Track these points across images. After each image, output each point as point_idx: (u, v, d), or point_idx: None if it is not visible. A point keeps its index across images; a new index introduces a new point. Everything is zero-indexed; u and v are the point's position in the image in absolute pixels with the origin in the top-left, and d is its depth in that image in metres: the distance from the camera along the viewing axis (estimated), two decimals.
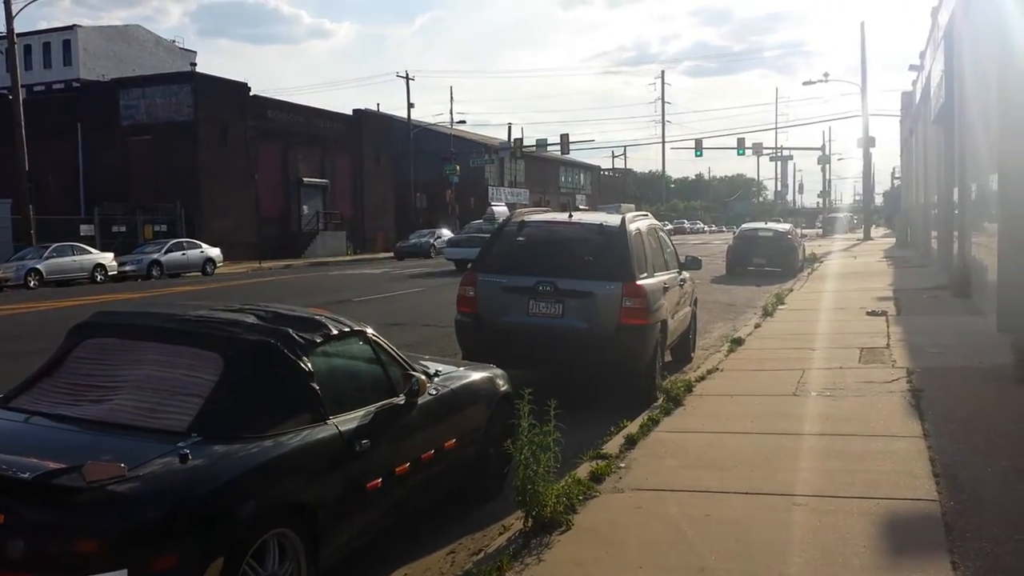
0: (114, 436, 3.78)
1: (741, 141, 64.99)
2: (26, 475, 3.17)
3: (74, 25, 74.62)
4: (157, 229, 40.69)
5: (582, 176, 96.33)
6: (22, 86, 35.07)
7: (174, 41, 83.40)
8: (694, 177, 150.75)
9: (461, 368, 6.30)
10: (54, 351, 4.60)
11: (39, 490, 3.16)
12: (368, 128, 57.67)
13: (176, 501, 3.38)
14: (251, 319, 4.60)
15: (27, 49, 64.80)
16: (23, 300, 23.49)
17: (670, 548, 4.76)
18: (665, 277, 9.81)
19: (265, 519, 3.70)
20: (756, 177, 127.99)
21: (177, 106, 43.99)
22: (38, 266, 29.90)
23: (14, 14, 33.27)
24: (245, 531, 3.57)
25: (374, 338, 5.10)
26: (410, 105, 61.43)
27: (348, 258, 46.58)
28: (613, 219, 9.57)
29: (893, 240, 48.71)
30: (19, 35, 36.01)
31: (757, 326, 14.14)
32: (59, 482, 3.17)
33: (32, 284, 29.09)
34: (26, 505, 3.18)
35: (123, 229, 39.79)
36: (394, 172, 60.26)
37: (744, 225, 34.22)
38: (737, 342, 12.12)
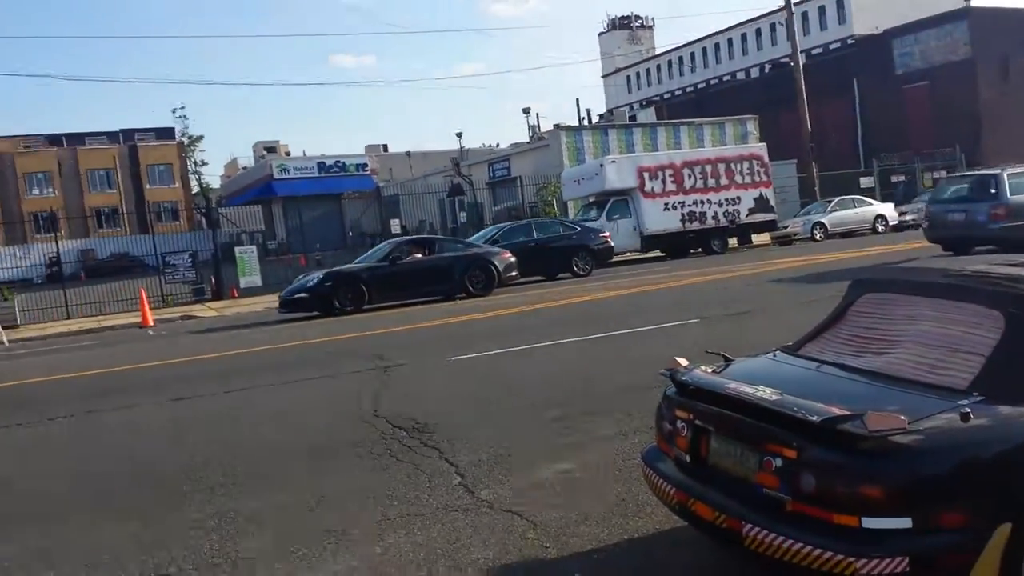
0: (891, 388, 3.86)
1: None
2: (814, 418, 3.45)
3: None
4: (936, 176, 39.67)
5: None
6: (800, 51, 37.50)
7: None
8: None
9: None
10: (837, 303, 4.91)
11: (825, 433, 3.40)
12: None
13: (960, 459, 3.33)
14: None
15: (804, 16, 68.59)
16: (809, 252, 25.46)
17: None
18: None
19: None
20: None
21: (952, 46, 42.07)
22: (822, 219, 31.89)
23: None
24: None
25: None
26: None
27: None
28: None
29: None
30: (796, 4, 38.52)
31: None
32: (843, 427, 3.36)
33: (817, 237, 31.20)
34: (814, 445, 3.46)
35: (902, 179, 39.85)
36: None
37: None
38: None
